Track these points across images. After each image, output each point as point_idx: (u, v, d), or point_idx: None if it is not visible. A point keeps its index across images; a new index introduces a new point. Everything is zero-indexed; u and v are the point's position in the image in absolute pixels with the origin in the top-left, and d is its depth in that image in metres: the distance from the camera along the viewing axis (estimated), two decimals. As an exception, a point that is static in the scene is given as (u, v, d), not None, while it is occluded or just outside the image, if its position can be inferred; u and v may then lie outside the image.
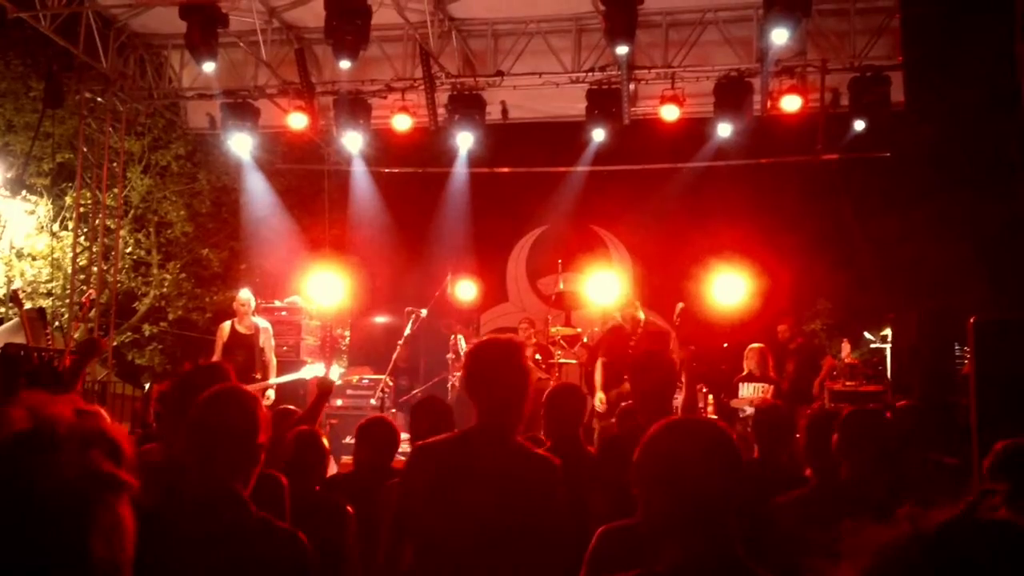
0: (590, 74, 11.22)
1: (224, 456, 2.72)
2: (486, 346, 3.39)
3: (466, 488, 3.13)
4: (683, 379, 7.14)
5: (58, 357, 10.50)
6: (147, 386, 17.01)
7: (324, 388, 5.40)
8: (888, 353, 12.39)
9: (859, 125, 11.79)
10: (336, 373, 12.29)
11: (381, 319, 13.45)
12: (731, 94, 11.00)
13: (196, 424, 2.78)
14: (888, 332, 12.49)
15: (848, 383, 9.52)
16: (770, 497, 3.85)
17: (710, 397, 10.37)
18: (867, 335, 12.98)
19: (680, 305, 10.32)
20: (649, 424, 4.19)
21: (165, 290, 15.63)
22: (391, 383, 10.89)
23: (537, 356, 10.45)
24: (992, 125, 11.21)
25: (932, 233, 11.88)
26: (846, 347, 10.71)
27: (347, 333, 12.82)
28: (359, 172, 13.26)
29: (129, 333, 15.57)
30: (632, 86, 11.40)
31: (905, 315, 11.97)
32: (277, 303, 11.43)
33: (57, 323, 15.05)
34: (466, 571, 3.10)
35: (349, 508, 3.91)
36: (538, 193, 13.21)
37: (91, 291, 11.18)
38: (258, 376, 9.51)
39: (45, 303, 15.42)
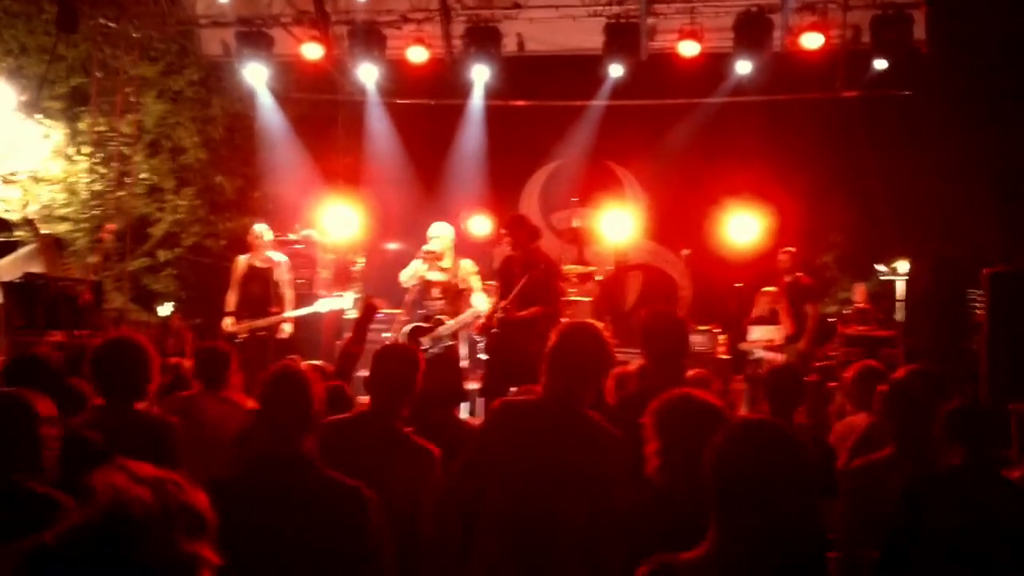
0: (608, 7, 11.08)
1: (293, 425, 3.08)
2: (575, 329, 3.76)
3: (540, 448, 3.44)
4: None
5: (76, 287, 10.64)
6: (169, 310, 17.16)
7: (369, 309, 5.58)
8: (898, 287, 12.40)
9: (880, 64, 11.67)
10: (350, 300, 12.44)
11: (394, 246, 13.49)
12: (751, 30, 10.87)
13: (267, 401, 3.17)
14: (898, 265, 12.49)
15: (860, 328, 9.55)
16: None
17: (721, 338, 10.43)
18: (878, 267, 12.98)
19: (686, 251, 10.37)
20: (661, 387, 4.27)
21: (179, 216, 15.64)
22: (405, 318, 10.96)
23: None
24: (1016, 64, 11.08)
25: (949, 173, 11.81)
26: (860, 291, 10.72)
27: (361, 260, 12.86)
28: (373, 104, 13.19)
29: (144, 258, 15.64)
30: (650, 20, 11.25)
31: (920, 260, 11.95)
32: (292, 236, 11.46)
33: (72, 248, 15.17)
34: (532, 519, 3.36)
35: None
36: (553, 128, 13.13)
37: (111, 224, 11.23)
38: (274, 309, 9.58)
39: (61, 228, 15.47)
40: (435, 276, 8.62)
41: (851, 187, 13.56)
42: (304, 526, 2.93)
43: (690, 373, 5.37)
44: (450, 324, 8.55)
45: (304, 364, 3.86)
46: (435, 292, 8.60)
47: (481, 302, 8.50)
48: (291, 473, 3.04)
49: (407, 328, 8.83)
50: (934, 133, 12.38)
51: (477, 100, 12.77)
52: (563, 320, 7.69)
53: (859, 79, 12.19)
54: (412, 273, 8.70)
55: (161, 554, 1.36)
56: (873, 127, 12.88)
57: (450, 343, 8.59)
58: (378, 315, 10.94)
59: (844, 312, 10.46)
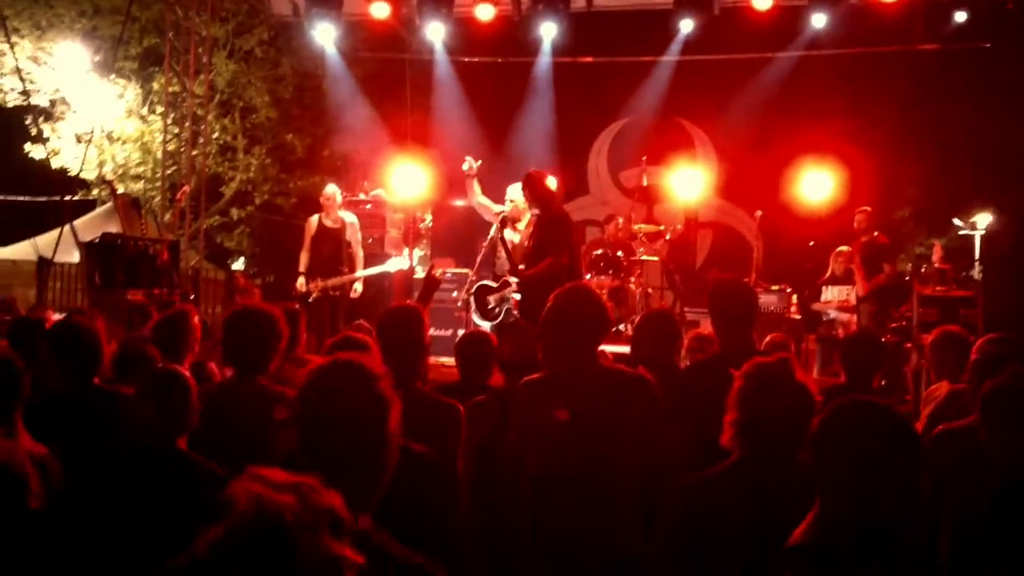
0: (680, -39, 10.88)
1: None
2: (567, 293, 3.74)
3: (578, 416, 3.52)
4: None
5: (153, 246, 10.85)
6: (241, 266, 17.47)
7: (431, 283, 5.62)
8: (977, 241, 12.10)
9: (960, 15, 11.33)
10: (417, 257, 12.53)
11: (461, 203, 13.48)
12: (827, -19, 10.61)
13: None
14: (977, 219, 12.18)
15: (938, 288, 9.33)
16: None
17: (794, 297, 10.30)
18: (956, 222, 12.68)
19: (758, 213, 10.22)
20: (729, 353, 4.24)
21: (251, 175, 15.87)
22: (475, 278, 11.00)
23: (619, 253, 10.43)
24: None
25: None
26: (937, 250, 10.48)
27: (428, 216, 12.91)
28: (441, 62, 13.16)
29: (217, 216, 15.91)
30: (723, -26, 11.03)
31: (1000, 214, 11.64)
32: (362, 196, 11.54)
33: (148, 206, 15.46)
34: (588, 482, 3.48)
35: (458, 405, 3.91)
36: (622, 85, 12.97)
37: (186, 187, 11.41)
38: (345, 269, 9.68)
39: (135, 187, 15.78)
40: (508, 236, 8.61)
41: (928, 141, 13.24)
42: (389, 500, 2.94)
43: (769, 338, 5.29)
44: (514, 286, 8.56)
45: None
46: (504, 253, 8.60)
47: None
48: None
49: (474, 287, 8.84)
50: (1016, 85, 12.00)
51: (544, 57, 12.67)
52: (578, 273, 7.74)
53: (938, 31, 11.85)
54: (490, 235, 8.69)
55: (313, 559, 1.36)
56: (952, 80, 12.53)
57: (510, 305, 8.60)
58: (447, 275, 11.05)
59: (921, 271, 10.21)
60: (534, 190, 8.12)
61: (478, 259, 9.03)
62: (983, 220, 12.03)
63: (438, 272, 7.07)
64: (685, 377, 4.42)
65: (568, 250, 7.83)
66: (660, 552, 3.02)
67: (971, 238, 12.38)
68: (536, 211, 8.19)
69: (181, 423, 3.38)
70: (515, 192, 8.66)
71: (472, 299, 8.89)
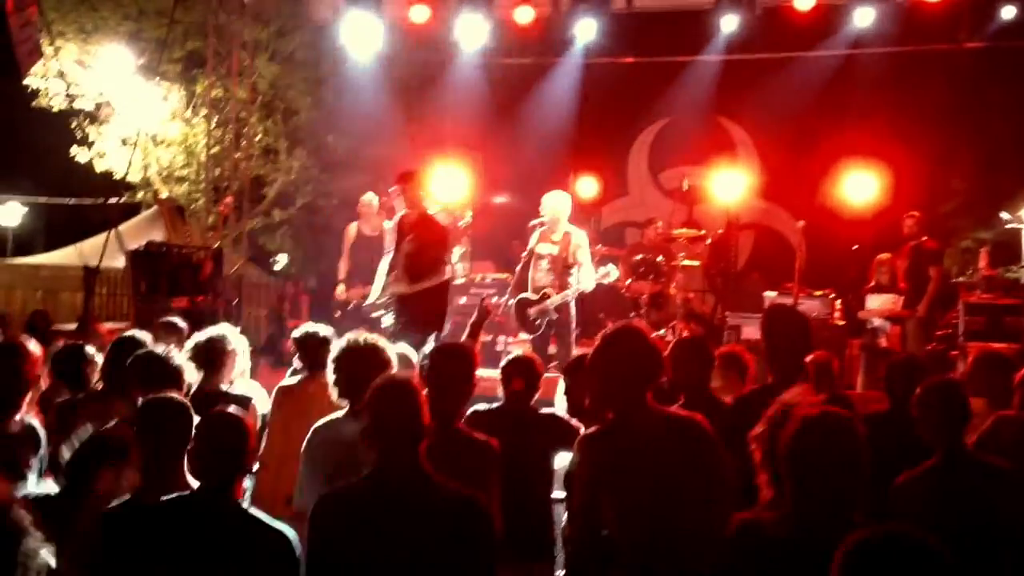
0: (720, -39, 10.78)
1: (406, 436, 3.10)
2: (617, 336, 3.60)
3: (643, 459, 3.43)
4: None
5: (197, 254, 10.98)
6: (284, 263, 17.61)
7: (482, 314, 5.84)
8: (1024, 235, 11.87)
9: (1008, 12, 11.14)
10: (457, 254, 12.54)
11: (500, 199, 13.50)
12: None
13: (376, 415, 3.13)
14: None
15: (984, 295, 9.20)
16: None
17: (837, 303, 10.18)
18: (1003, 215, 12.45)
19: (801, 223, 10.11)
20: (780, 383, 4.19)
21: (293, 176, 15.96)
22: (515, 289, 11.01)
23: (659, 257, 10.38)
24: None
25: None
26: (984, 257, 10.31)
27: (468, 214, 12.92)
28: (479, 64, 13.16)
29: (260, 218, 16.03)
30: (764, -27, 10.92)
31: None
32: (402, 201, 11.55)
33: (191, 208, 15.63)
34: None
35: (494, 443, 3.94)
36: (662, 85, 12.90)
37: (230, 197, 11.51)
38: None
39: (179, 189, 15.95)
40: (544, 248, 8.60)
41: (975, 136, 13.01)
42: (423, 539, 2.96)
43: (811, 357, 5.19)
44: (555, 299, 8.53)
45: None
46: (543, 264, 8.60)
47: (586, 278, 8.46)
48: (408, 485, 3.06)
49: (513, 300, 8.85)
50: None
51: (582, 58, 12.64)
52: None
53: (984, 29, 11.66)
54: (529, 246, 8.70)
55: None
56: (998, 77, 12.29)
57: (556, 316, 8.58)
58: (487, 280, 11.06)
59: (968, 279, 10.09)
60: (408, 190, 7.84)
61: (517, 269, 9.03)
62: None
63: (492, 299, 7.07)
64: (735, 411, 4.34)
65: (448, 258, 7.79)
66: None
67: (1018, 232, 12.13)
68: (410, 213, 7.88)
69: None
70: (550, 201, 8.61)
71: (513, 311, 8.85)
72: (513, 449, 4.11)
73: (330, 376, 4.15)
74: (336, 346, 4.22)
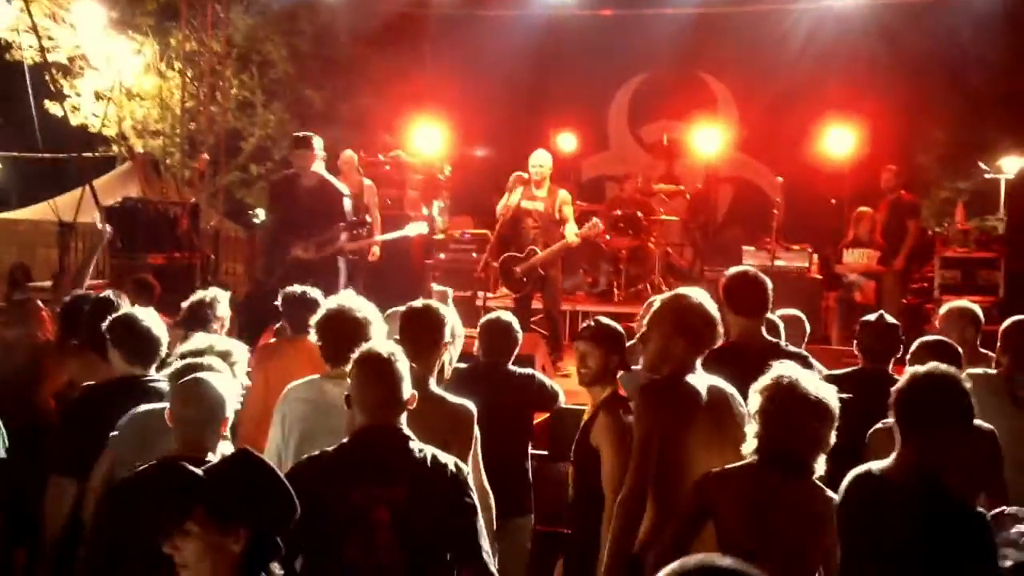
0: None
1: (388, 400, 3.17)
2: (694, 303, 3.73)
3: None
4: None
5: (173, 209, 10.90)
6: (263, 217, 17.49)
7: None
8: (1003, 185, 11.94)
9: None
10: (437, 208, 12.50)
11: (480, 152, 13.44)
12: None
13: (358, 385, 3.18)
14: (1003, 163, 12.00)
15: (960, 249, 9.27)
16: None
17: (815, 256, 10.23)
18: (982, 165, 12.50)
19: (779, 179, 10.12)
20: (741, 348, 4.24)
21: (270, 130, 15.82)
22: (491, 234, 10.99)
23: (639, 212, 10.39)
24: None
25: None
26: (960, 212, 10.37)
27: (447, 169, 12.86)
28: (458, 15, 13.04)
29: (237, 173, 15.91)
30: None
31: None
32: (380, 157, 11.50)
33: (167, 162, 15.49)
34: None
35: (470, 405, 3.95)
36: (641, 38, 12.77)
37: (204, 155, 11.41)
38: (363, 233, 9.66)
39: (155, 143, 15.79)
40: (531, 205, 8.54)
41: (953, 85, 13.00)
42: (404, 504, 2.99)
43: (782, 313, 5.20)
44: (543, 255, 8.51)
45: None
46: (530, 221, 8.54)
47: (570, 232, 8.45)
48: (388, 452, 3.08)
49: (494, 259, 8.81)
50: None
51: (562, 9, 12.53)
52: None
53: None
54: (507, 204, 8.61)
55: None
56: (977, 29, 12.23)
57: (543, 273, 8.55)
58: (466, 235, 11.04)
59: (945, 232, 10.14)
60: (300, 157, 7.85)
61: (497, 226, 8.98)
62: (1009, 163, 11.82)
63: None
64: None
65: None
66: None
67: (997, 182, 12.19)
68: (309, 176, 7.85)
69: None
70: (543, 158, 8.52)
71: (499, 269, 8.82)
72: (490, 407, 4.14)
73: (314, 339, 4.15)
74: (322, 310, 4.20)
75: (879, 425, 3.98)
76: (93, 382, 4.35)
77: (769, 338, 4.41)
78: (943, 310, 5.33)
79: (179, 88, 14.76)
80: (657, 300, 4.32)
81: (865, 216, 9.59)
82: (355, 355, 3.20)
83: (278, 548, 2.66)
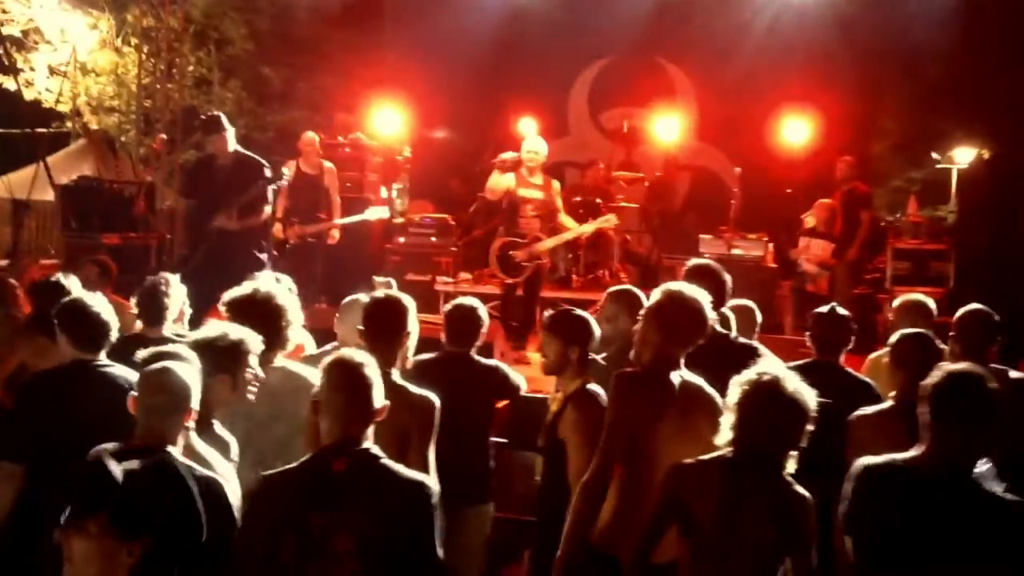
0: None
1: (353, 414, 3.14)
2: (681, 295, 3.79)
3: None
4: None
5: (129, 189, 10.79)
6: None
7: None
8: (955, 175, 12.15)
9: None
10: (396, 189, 12.48)
11: (440, 134, 13.41)
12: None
13: (329, 391, 3.13)
14: (955, 153, 12.21)
15: (911, 241, 9.45)
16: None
17: (770, 246, 10.35)
18: (934, 155, 12.72)
19: (737, 170, 10.23)
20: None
21: (226, 108, 15.64)
22: (453, 222, 11.01)
23: (598, 200, 10.45)
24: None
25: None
26: (912, 204, 10.55)
27: (407, 150, 12.83)
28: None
29: (192, 151, 15.72)
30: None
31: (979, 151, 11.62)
32: (341, 139, 11.45)
33: (122, 139, 15.29)
34: None
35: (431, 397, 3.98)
36: (603, 23, 12.76)
37: (162, 135, 11.29)
38: (323, 216, 9.65)
39: (110, 120, 15.59)
40: (528, 193, 8.46)
41: (905, 76, 13.17)
42: (366, 524, 2.93)
43: (733, 304, 5.23)
44: (548, 242, 8.51)
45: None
46: (529, 209, 8.47)
47: (569, 221, 8.53)
48: (353, 469, 3.01)
49: (498, 243, 8.66)
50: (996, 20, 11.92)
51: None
52: None
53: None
54: (498, 185, 8.49)
55: None
56: (927, 21, 12.37)
57: (539, 262, 8.53)
58: (426, 220, 11.05)
59: (896, 222, 10.31)
60: (224, 134, 7.81)
61: (475, 206, 8.93)
62: (961, 154, 12.03)
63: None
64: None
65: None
66: None
67: (948, 172, 12.40)
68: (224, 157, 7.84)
69: None
70: (540, 144, 8.47)
71: (494, 255, 8.63)
72: (455, 397, 4.18)
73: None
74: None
75: (858, 414, 4.12)
76: (44, 368, 4.33)
77: (720, 330, 4.47)
78: (896, 303, 5.45)
79: (135, 64, 14.56)
80: (622, 289, 4.39)
81: (822, 206, 9.71)
82: (326, 360, 3.15)
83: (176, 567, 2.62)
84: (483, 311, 4.82)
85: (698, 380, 3.74)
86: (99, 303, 4.23)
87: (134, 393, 3.30)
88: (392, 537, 2.93)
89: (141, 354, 3.72)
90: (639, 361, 3.76)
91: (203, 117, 8.23)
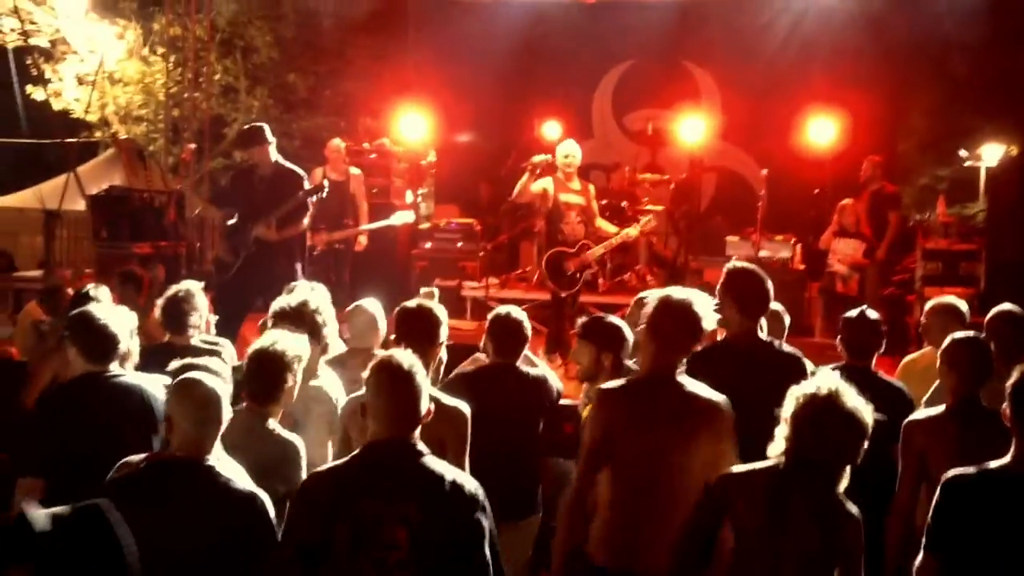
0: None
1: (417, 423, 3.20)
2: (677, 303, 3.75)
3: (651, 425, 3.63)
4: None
5: (159, 199, 10.89)
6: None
7: None
8: (983, 173, 12.06)
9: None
10: (421, 194, 12.51)
11: (465, 138, 13.43)
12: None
13: (374, 395, 3.15)
14: (982, 150, 12.12)
15: (941, 241, 9.38)
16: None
17: (798, 247, 10.31)
18: (961, 152, 12.62)
19: (764, 171, 10.19)
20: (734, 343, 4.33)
21: (253, 116, 15.74)
22: (478, 227, 11.03)
23: (623, 203, 10.44)
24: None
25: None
26: (941, 204, 10.47)
27: (432, 155, 12.86)
28: (443, 2, 13.04)
29: (220, 159, 15.85)
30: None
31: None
32: (366, 145, 11.51)
33: (151, 147, 15.42)
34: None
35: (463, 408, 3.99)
36: (625, 26, 12.77)
37: (190, 145, 11.39)
38: (350, 222, 9.72)
39: (138, 129, 15.72)
40: (572, 199, 8.23)
41: (934, 75, 13.10)
42: (412, 517, 2.96)
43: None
44: (597, 250, 8.30)
45: None
46: (573, 216, 8.24)
47: (607, 225, 8.47)
48: (396, 466, 3.04)
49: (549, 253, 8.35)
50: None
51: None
52: None
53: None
54: (529, 188, 8.23)
55: None
56: (957, 17, 12.29)
57: (590, 270, 8.33)
58: (452, 225, 11.08)
59: (925, 221, 10.25)
60: (257, 153, 7.66)
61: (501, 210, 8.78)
62: (989, 151, 11.93)
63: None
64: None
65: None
66: None
67: (976, 170, 12.31)
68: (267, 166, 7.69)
69: None
70: (575, 148, 8.31)
71: (544, 266, 8.31)
72: (505, 409, 4.18)
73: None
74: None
75: (913, 419, 4.15)
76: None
77: (764, 338, 4.44)
78: (928, 305, 5.39)
79: (163, 73, 14.69)
80: (649, 296, 4.39)
81: (848, 207, 9.66)
82: (374, 363, 3.14)
83: None
84: (526, 322, 4.71)
85: (698, 387, 3.70)
86: (109, 315, 4.22)
87: (164, 404, 3.33)
88: (443, 532, 2.95)
89: (172, 365, 3.77)
90: (640, 369, 3.76)
91: (246, 128, 8.19)
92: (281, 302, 4.44)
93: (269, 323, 4.39)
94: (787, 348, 4.47)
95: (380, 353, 3.23)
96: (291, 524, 3.05)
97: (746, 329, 4.34)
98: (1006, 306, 4.97)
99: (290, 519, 3.06)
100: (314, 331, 4.25)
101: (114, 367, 4.14)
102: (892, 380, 4.83)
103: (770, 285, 4.41)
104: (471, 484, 3.07)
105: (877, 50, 11.96)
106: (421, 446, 3.07)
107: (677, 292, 3.82)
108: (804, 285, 9.98)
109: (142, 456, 3.37)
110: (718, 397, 3.69)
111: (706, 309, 3.77)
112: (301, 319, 4.26)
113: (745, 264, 4.55)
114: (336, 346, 4.88)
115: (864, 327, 4.68)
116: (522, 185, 8.19)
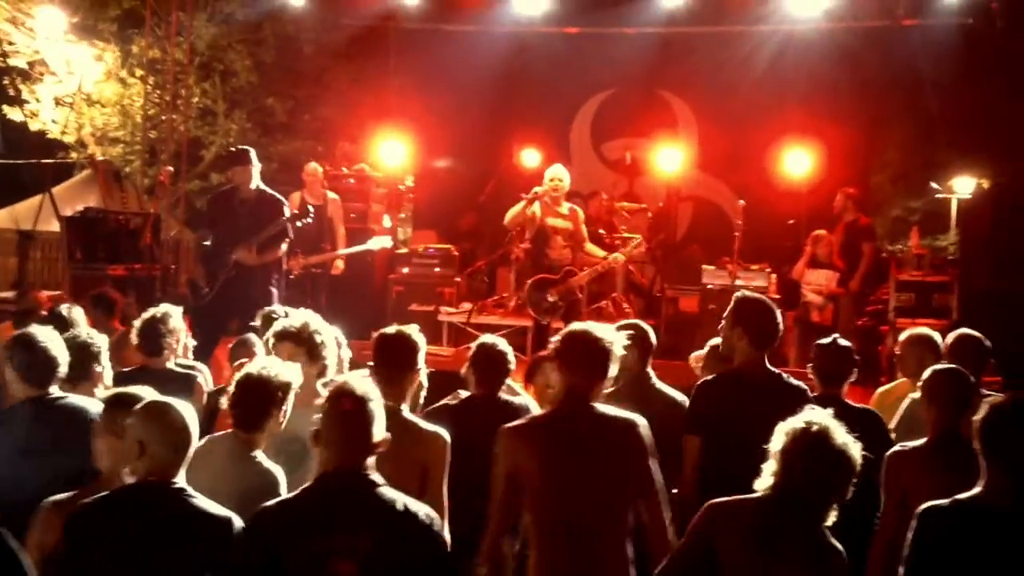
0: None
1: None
2: (582, 333, 3.74)
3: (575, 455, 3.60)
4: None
5: (135, 221, 10.82)
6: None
7: None
8: (954, 205, 12.19)
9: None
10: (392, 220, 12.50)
11: (444, 164, 13.48)
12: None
13: (328, 424, 3.13)
14: (955, 183, 12.26)
15: (914, 272, 9.48)
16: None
17: (773, 276, 10.37)
18: (933, 185, 12.77)
19: (741, 202, 10.28)
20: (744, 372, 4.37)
21: (231, 139, 15.72)
22: (456, 253, 11.03)
23: (601, 231, 10.48)
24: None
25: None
26: (914, 236, 10.59)
27: (409, 179, 12.88)
28: (424, 29, 13.10)
29: (197, 181, 15.80)
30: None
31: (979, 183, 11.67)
32: (345, 170, 11.51)
33: (127, 169, 15.35)
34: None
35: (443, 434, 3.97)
36: (605, 56, 12.88)
37: (168, 168, 11.35)
38: (327, 246, 9.71)
39: (114, 151, 15.65)
40: (558, 223, 8.26)
41: (907, 109, 13.26)
42: (367, 550, 2.94)
43: None
44: (582, 276, 8.28)
45: None
46: (560, 240, 8.29)
47: (595, 250, 8.49)
48: (351, 497, 3.03)
49: (532, 279, 8.40)
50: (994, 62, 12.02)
51: (530, 27, 12.63)
52: None
53: (922, 6, 11.91)
54: (519, 216, 8.30)
55: None
56: (932, 54, 12.48)
57: (579, 296, 8.35)
58: (430, 250, 11.08)
59: (897, 252, 10.36)
60: (250, 167, 7.77)
61: (522, 246, 8.71)
62: (960, 184, 12.10)
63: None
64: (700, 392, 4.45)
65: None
66: None
67: (948, 202, 12.47)
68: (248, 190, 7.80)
69: None
70: (563, 172, 8.34)
71: (528, 292, 8.34)
72: (482, 439, 4.18)
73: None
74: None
75: (896, 450, 4.18)
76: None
77: (773, 369, 4.46)
78: (903, 337, 5.45)
79: (140, 96, 14.66)
80: (628, 324, 4.42)
81: (822, 238, 9.75)
82: (328, 391, 3.14)
83: None
84: (510, 352, 4.71)
85: (613, 412, 3.69)
86: (48, 337, 4.12)
87: (132, 427, 3.26)
88: (394, 562, 2.92)
89: (103, 394, 3.75)
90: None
91: (233, 149, 8.24)
92: (284, 323, 4.42)
93: (271, 342, 4.37)
94: (793, 380, 4.50)
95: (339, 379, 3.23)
96: (241, 559, 3.01)
97: (755, 359, 4.36)
98: (964, 330, 5.05)
99: (241, 554, 3.02)
100: (313, 352, 4.27)
101: (54, 390, 4.06)
102: (863, 407, 4.89)
103: (780, 316, 4.44)
104: (423, 511, 3.04)
105: (853, 84, 12.13)
106: (375, 475, 3.04)
107: (588, 326, 3.81)
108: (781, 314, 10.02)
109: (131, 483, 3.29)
110: (632, 416, 3.68)
111: (612, 335, 3.76)
112: (300, 340, 4.29)
113: (756, 295, 4.59)
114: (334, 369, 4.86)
115: (835, 355, 4.73)
116: (517, 212, 8.18)
